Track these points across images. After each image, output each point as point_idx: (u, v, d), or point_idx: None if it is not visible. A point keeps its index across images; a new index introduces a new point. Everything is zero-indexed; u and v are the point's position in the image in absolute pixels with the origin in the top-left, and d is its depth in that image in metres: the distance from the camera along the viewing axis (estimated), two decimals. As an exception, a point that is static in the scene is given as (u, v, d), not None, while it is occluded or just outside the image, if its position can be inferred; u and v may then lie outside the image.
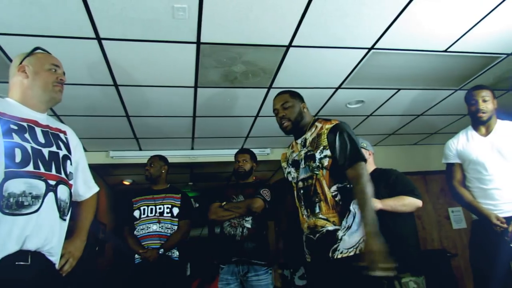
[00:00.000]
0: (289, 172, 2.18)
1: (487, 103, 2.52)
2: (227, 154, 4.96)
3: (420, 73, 3.21)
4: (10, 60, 2.59)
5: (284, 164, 2.28)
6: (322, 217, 1.91)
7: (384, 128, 4.67)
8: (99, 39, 2.43)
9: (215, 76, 3.05)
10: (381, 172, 2.88)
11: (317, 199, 1.95)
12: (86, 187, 1.80)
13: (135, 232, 3.15)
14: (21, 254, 1.38)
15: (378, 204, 2.57)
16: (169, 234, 3.14)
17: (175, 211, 3.25)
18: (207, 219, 3.12)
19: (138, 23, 2.30)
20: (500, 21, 2.53)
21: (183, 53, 2.66)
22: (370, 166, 2.95)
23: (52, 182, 1.51)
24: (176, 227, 3.20)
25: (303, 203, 2.03)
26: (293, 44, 2.64)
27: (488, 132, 2.57)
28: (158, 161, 3.38)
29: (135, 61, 2.74)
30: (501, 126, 2.57)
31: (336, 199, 1.90)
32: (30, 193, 1.42)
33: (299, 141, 2.14)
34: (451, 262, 4.59)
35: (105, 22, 2.27)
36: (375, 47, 2.74)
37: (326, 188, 1.93)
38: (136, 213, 3.19)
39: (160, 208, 3.22)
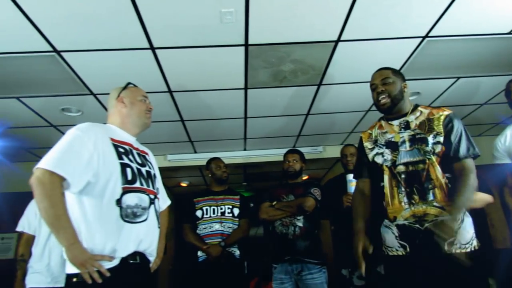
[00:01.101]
0: (379, 154, 2.00)
1: None
2: (279, 154, 4.96)
3: (481, 59, 3.01)
4: (76, 75, 2.81)
5: (368, 144, 2.09)
6: (437, 205, 1.78)
7: (443, 119, 4.42)
8: (153, 48, 2.55)
9: (264, 77, 3.07)
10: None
11: (430, 186, 1.82)
12: (163, 200, 2.02)
13: (197, 231, 3.26)
14: (133, 254, 1.61)
15: None
16: (230, 233, 3.24)
17: (236, 211, 3.34)
18: (258, 218, 3.17)
19: (188, 30, 2.38)
20: None
21: (232, 56, 2.71)
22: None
23: (152, 196, 1.75)
24: (236, 226, 3.29)
25: (403, 189, 1.86)
26: (341, 38, 2.59)
27: None
28: (224, 163, 3.52)
29: (187, 67, 2.84)
30: None
31: (449, 187, 1.81)
32: (140, 205, 1.67)
33: (395, 122, 2.00)
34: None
35: (157, 32, 2.38)
36: (429, 35, 2.61)
37: (440, 174, 1.81)
38: (199, 213, 3.31)
39: (221, 209, 3.32)
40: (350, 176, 2.79)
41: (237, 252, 3.27)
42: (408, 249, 1.81)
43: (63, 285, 2.72)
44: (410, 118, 1.98)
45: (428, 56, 2.89)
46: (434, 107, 1.99)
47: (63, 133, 1.60)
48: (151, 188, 1.77)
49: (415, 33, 2.59)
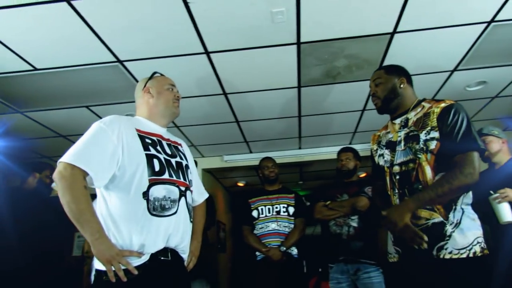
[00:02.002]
0: (381, 155, 1.94)
1: None
2: (335, 151, 4.88)
3: (558, 41, 2.74)
4: (137, 82, 2.97)
5: (374, 146, 2.04)
6: (428, 207, 1.66)
7: (514, 109, 4.09)
8: (207, 53, 2.64)
9: (318, 74, 3.04)
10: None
11: (420, 186, 1.69)
12: (199, 193, 1.95)
13: (254, 231, 3.32)
14: (164, 250, 1.55)
15: None
16: (286, 232, 3.25)
17: (291, 210, 3.35)
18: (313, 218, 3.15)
19: (241, 32, 2.43)
20: None
21: (284, 55, 2.72)
22: (505, 155, 2.64)
23: (182, 188, 1.68)
24: (292, 225, 3.30)
25: (397, 191, 1.78)
26: (398, 30, 2.49)
27: None
28: (275, 162, 3.55)
29: (240, 69, 2.90)
30: None
31: None
32: (169, 198, 1.59)
33: (397, 121, 1.91)
34: None
35: (211, 36, 2.45)
36: (495, 19, 2.43)
37: (430, 175, 1.67)
38: (255, 213, 3.37)
39: (276, 208, 3.35)
40: None
41: (295, 251, 3.28)
42: (399, 254, 1.76)
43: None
44: (411, 115, 1.87)
45: (495, 42, 2.69)
46: (437, 100, 1.82)
47: (128, 138, 1.66)
48: (181, 179, 1.68)
49: (479, 19, 2.43)
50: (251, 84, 3.16)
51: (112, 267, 1.40)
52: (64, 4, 2.08)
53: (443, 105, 1.75)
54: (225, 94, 3.31)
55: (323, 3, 2.20)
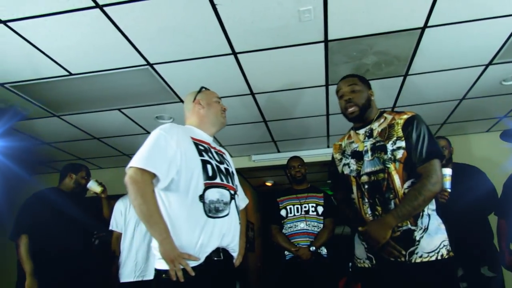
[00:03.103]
0: (346, 164, 1.99)
1: None
2: (364, 150, 4.82)
3: None
4: (167, 84, 3.04)
5: (337, 155, 2.09)
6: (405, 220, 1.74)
7: (555, 103, 3.89)
8: (235, 53, 2.66)
9: (346, 71, 2.99)
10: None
11: (392, 195, 1.77)
12: (241, 198, 2.07)
13: (283, 230, 3.32)
14: (217, 250, 1.66)
15: None
16: (315, 232, 3.23)
17: (320, 209, 3.33)
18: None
19: (268, 32, 2.43)
20: None
21: (312, 53, 2.71)
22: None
23: (232, 192, 1.81)
24: (321, 225, 3.27)
25: (367, 200, 1.84)
26: (429, 24, 2.43)
27: None
28: (303, 161, 3.54)
29: (268, 69, 2.90)
30: None
31: None
32: (222, 200, 1.72)
33: (361, 131, 1.97)
34: None
35: (238, 37, 2.47)
36: (534, 9, 2.32)
37: (399, 183, 1.77)
38: (283, 212, 3.37)
39: (305, 207, 3.34)
40: (445, 171, 2.61)
41: (324, 251, 3.25)
42: (374, 262, 1.80)
43: (148, 278, 2.98)
44: (374, 125, 1.93)
45: (534, 34, 2.58)
46: (398, 112, 1.92)
47: (159, 140, 1.73)
48: (230, 184, 1.82)
49: (515, 10, 2.33)
50: (278, 83, 3.15)
51: (174, 267, 1.51)
52: (97, 10, 2.15)
53: (405, 116, 1.86)
54: (252, 94, 3.32)
55: (350, 0, 2.17)
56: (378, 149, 1.85)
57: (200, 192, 1.64)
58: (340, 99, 2.02)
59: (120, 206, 3.20)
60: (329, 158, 5.04)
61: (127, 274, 3.00)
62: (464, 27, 2.47)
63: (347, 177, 1.97)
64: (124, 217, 3.15)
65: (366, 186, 1.85)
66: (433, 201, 1.79)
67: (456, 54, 2.81)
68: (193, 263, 1.55)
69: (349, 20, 2.36)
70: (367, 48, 2.66)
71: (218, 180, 1.74)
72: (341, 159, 2.05)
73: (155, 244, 1.59)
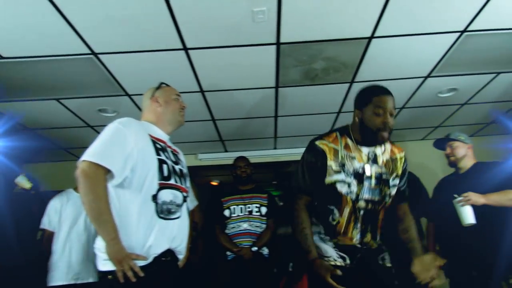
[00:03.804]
0: (345, 183, 1.81)
1: None
2: (309, 152, 4.93)
3: (524, 53, 2.87)
4: (113, 76, 2.89)
5: (333, 164, 1.83)
6: (378, 242, 1.94)
7: (481, 116, 4.25)
8: (186, 49, 2.59)
9: (296, 75, 3.05)
10: (483, 165, 2.66)
11: (378, 226, 1.94)
12: (191, 200, 2.07)
13: (226, 230, 3.30)
14: (166, 252, 1.62)
15: (480, 198, 2.38)
16: (258, 232, 3.25)
17: (263, 210, 3.35)
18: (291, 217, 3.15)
19: (221, 30, 2.40)
20: None
21: (263, 55, 2.71)
22: (470, 160, 2.74)
23: (185, 194, 1.77)
24: (264, 225, 3.30)
25: (359, 225, 1.84)
26: (375, 35, 2.53)
27: None
28: (249, 162, 3.54)
29: (219, 67, 2.87)
30: None
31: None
32: (174, 202, 1.68)
33: (364, 150, 1.87)
34: None
35: (190, 33, 2.41)
36: (468, 29, 2.51)
37: (382, 216, 1.94)
38: (226, 212, 3.35)
39: (249, 208, 3.34)
40: None
41: (266, 251, 3.28)
42: (348, 261, 1.83)
43: (83, 281, 2.83)
44: (378, 151, 1.92)
45: (466, 52, 2.79)
46: (393, 143, 2.03)
47: (99, 133, 1.64)
48: (183, 186, 1.78)
49: (452, 28, 2.50)
50: (229, 82, 3.13)
51: (122, 268, 1.45)
52: (37, -9, 1.99)
53: (402, 154, 2.00)
54: (202, 91, 3.27)
55: (304, 5, 2.20)
56: (383, 182, 1.87)
57: (154, 192, 1.60)
58: (377, 115, 1.80)
59: (55, 203, 2.99)
60: (276, 159, 5.15)
61: (58, 277, 2.80)
62: (407, 40, 2.61)
63: (339, 195, 1.82)
64: (59, 215, 2.94)
65: (362, 212, 1.83)
66: None
67: (399, 65, 2.97)
68: (140, 263, 1.50)
69: (301, 25, 2.39)
70: (317, 53, 2.73)
71: (172, 181, 1.70)
72: (338, 171, 1.83)
73: (99, 244, 1.52)
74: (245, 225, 3.28)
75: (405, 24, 2.44)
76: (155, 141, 1.73)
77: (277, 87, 3.25)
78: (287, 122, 4.13)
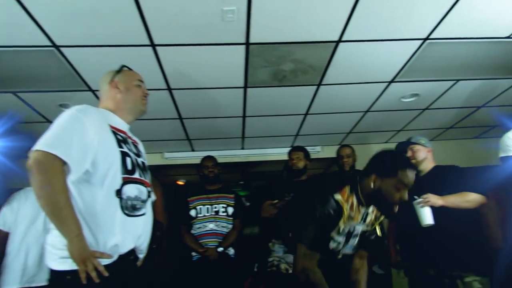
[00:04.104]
0: (335, 241, 1.92)
1: None
2: (277, 153, 4.98)
3: (480, 62, 3.02)
4: (75, 70, 2.78)
5: (341, 223, 1.88)
6: None
7: (441, 121, 4.44)
8: (153, 45, 2.54)
9: (264, 76, 3.06)
10: (442, 168, 2.77)
11: None
12: None
13: (192, 231, 3.26)
14: (131, 251, 1.53)
15: (439, 200, 2.47)
16: (224, 233, 3.23)
17: (230, 210, 3.34)
18: (259, 217, 3.16)
19: (189, 28, 2.37)
20: None
21: (232, 54, 2.70)
22: (429, 163, 2.84)
23: (149, 189, 1.65)
24: (231, 225, 3.28)
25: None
26: (342, 39, 2.58)
27: None
28: (217, 161, 3.51)
29: (187, 65, 2.83)
30: None
31: None
32: (140, 198, 1.56)
33: (362, 210, 1.91)
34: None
35: (158, 29, 2.36)
36: (430, 37, 2.61)
37: None
38: (193, 212, 3.31)
39: (215, 208, 3.32)
40: None
41: (232, 251, 3.27)
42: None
43: (38, 284, 2.67)
44: (370, 209, 1.95)
45: (428, 59, 2.90)
46: None
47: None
48: (147, 180, 1.66)
49: (416, 35, 2.59)
50: (197, 81, 3.09)
51: (86, 267, 1.32)
52: (-6, -22, 1.88)
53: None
54: (169, 89, 3.21)
55: (273, 6, 2.21)
56: (362, 238, 1.98)
57: (117, 187, 1.47)
58: (399, 186, 1.77)
59: (12, 202, 2.83)
60: (244, 159, 5.15)
61: (10, 280, 2.63)
62: (373, 45, 2.68)
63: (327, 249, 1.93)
64: (15, 215, 2.78)
65: (337, 261, 2.00)
66: None
67: (365, 69, 3.04)
68: (103, 262, 1.38)
69: (270, 26, 2.40)
70: (285, 55, 2.74)
71: (136, 175, 1.58)
72: (339, 229, 1.90)
73: (52, 240, 1.38)
74: (211, 225, 3.25)
75: (371, 30, 2.50)
76: (115, 131, 1.59)
77: (245, 87, 3.25)
78: (255, 123, 4.13)
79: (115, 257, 1.43)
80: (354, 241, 1.96)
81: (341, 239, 1.92)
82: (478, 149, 5.11)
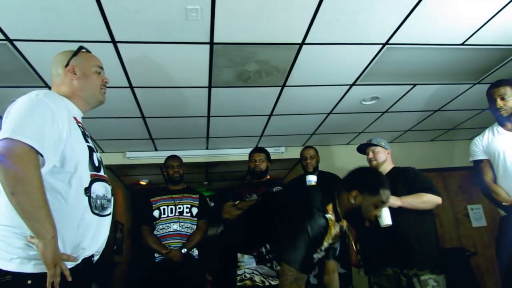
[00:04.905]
0: (315, 259, 1.96)
1: (506, 101, 2.46)
2: (241, 153, 4.97)
3: (437, 67, 3.16)
4: (31, 66, 2.66)
5: (325, 240, 1.93)
6: None
7: (400, 124, 4.61)
8: (114, 42, 2.47)
9: (229, 76, 3.06)
10: (399, 170, 2.87)
11: None
12: None
13: (154, 232, 3.20)
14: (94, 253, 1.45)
15: (397, 201, 2.56)
16: (189, 234, 3.20)
17: (194, 211, 3.31)
18: (221, 218, 3.16)
19: (152, 25, 2.32)
20: (519, 13, 2.47)
21: (196, 53, 2.68)
22: (388, 164, 2.93)
23: (111, 187, 1.55)
24: (195, 226, 3.25)
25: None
26: (306, 41, 2.63)
27: None
28: (182, 161, 3.46)
29: (150, 63, 2.77)
30: None
31: None
32: (106, 196, 1.46)
33: (337, 226, 1.96)
34: (470, 261, 4.50)
35: (120, 25, 2.30)
36: (389, 42, 2.70)
37: None
38: (156, 213, 3.25)
39: (179, 208, 3.27)
40: (309, 177, 2.85)
41: (196, 253, 3.24)
42: None
43: None
44: (345, 223, 2.02)
45: (388, 63, 3.00)
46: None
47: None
48: (107, 177, 1.56)
49: (376, 40, 2.68)
50: (160, 79, 3.04)
51: (55, 272, 1.22)
52: None
53: (343, 224, 2.01)
54: (131, 87, 3.14)
55: (237, 7, 2.21)
56: (328, 251, 2.05)
57: (86, 185, 1.37)
58: (379, 204, 1.92)
59: None
60: (208, 160, 5.12)
61: None
62: (335, 48, 2.74)
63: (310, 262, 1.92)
64: None
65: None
66: None
67: (327, 72, 3.10)
68: (68, 265, 1.29)
69: (235, 26, 2.40)
70: (250, 55, 2.75)
71: (102, 173, 1.48)
72: (321, 248, 1.96)
73: (4, 236, 1.24)
74: (175, 226, 3.21)
75: (333, 34, 2.56)
76: (79, 124, 1.48)
77: (210, 87, 3.23)
78: (220, 123, 4.12)
79: (79, 260, 1.34)
80: (321, 255, 2.00)
81: (321, 255, 1.98)
82: (435, 151, 5.36)
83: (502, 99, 2.46)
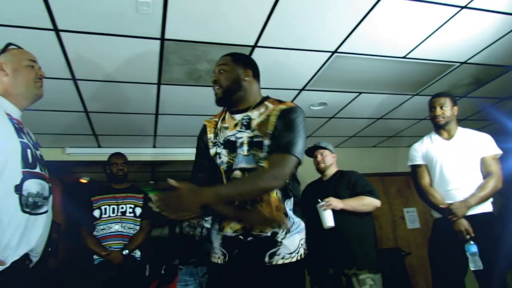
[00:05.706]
0: (218, 154, 1.72)
1: (444, 110, 2.65)
2: (189, 153, 4.89)
3: (380, 78, 3.32)
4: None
5: (211, 136, 1.78)
6: (274, 228, 1.58)
7: (345, 130, 4.79)
8: (57, 30, 2.33)
9: (179, 74, 3.00)
10: (343, 173, 2.98)
11: (259, 198, 1.58)
12: None
13: (94, 232, 3.05)
14: (27, 254, 1.38)
15: (339, 203, 2.65)
16: (131, 234, 3.08)
17: (138, 211, 3.20)
18: (166, 218, 3.08)
19: (100, 16, 2.22)
20: (454, 32, 2.67)
21: (146, 48, 2.60)
22: (333, 168, 3.03)
23: (50, 185, 1.51)
24: (138, 227, 3.15)
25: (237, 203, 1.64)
26: (258, 44, 2.65)
27: (450, 136, 2.69)
28: (126, 159, 3.33)
29: (96, 55, 2.65)
30: (462, 132, 2.69)
31: (279, 197, 1.61)
32: (42, 194, 1.42)
33: (237, 116, 1.73)
34: (405, 261, 4.79)
35: (63, 13, 2.17)
36: (338, 50, 2.80)
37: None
38: (96, 213, 3.10)
39: (122, 208, 3.15)
40: None
41: (138, 254, 3.14)
42: (227, 258, 1.62)
43: None
44: (254, 114, 1.70)
45: (336, 70, 3.11)
46: (280, 101, 1.75)
47: None
48: (47, 175, 1.53)
49: (326, 47, 2.76)
50: (107, 73, 2.91)
51: None
52: None
53: (281, 107, 1.66)
54: (74, 79, 2.97)
55: (191, 4, 2.18)
56: (255, 145, 1.62)
57: (17, 182, 1.34)
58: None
59: None
60: (155, 158, 4.98)
61: None
62: (287, 53, 2.79)
63: (216, 165, 1.72)
64: None
65: None
66: (292, 199, 1.65)
67: (278, 76, 3.15)
68: None
69: (187, 24, 2.36)
70: (202, 54, 2.72)
71: (38, 170, 1.44)
72: (214, 143, 1.76)
73: None
74: (116, 227, 3.08)
75: (285, 38, 2.60)
76: (12, 119, 1.44)
77: (159, 83, 3.15)
78: (169, 121, 4.03)
79: (7, 264, 1.27)
80: (244, 151, 1.65)
81: (221, 149, 1.72)
82: (376, 157, 5.63)
83: (441, 107, 2.65)
